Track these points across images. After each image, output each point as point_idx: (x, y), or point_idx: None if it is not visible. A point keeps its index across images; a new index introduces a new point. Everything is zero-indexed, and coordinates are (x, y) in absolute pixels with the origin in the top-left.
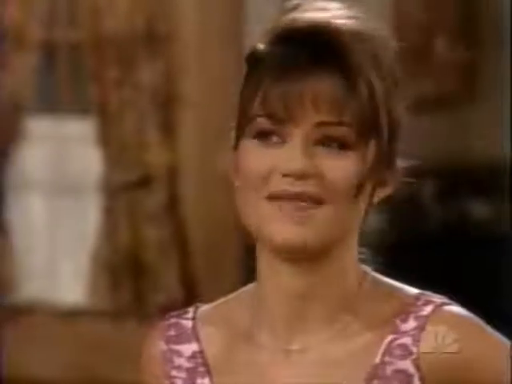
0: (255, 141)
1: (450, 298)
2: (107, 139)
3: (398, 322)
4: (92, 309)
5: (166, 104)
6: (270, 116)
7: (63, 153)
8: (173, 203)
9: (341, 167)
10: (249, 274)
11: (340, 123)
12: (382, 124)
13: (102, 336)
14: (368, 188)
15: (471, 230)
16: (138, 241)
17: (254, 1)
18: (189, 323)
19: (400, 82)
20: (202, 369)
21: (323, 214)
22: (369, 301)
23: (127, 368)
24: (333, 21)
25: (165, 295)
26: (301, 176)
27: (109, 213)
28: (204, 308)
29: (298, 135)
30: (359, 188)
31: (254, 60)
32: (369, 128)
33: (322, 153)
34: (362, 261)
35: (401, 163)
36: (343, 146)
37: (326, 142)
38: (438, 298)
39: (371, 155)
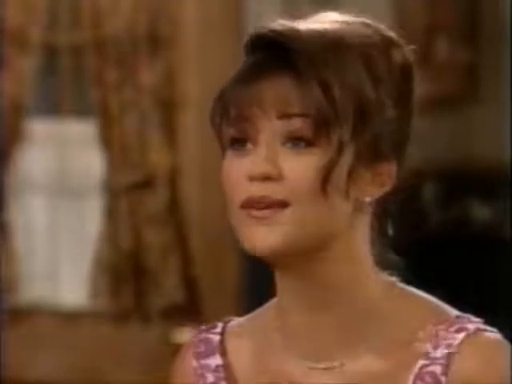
0: (231, 151)
1: (451, 299)
2: (109, 141)
3: (429, 347)
4: (94, 311)
5: (168, 106)
6: (231, 124)
7: (65, 155)
8: (174, 205)
9: (302, 166)
10: (249, 276)
11: (293, 115)
12: (341, 118)
13: (104, 338)
14: (340, 184)
15: (472, 232)
16: (140, 243)
17: (254, 3)
18: (216, 337)
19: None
20: (223, 383)
21: (290, 215)
22: (397, 317)
23: (129, 369)
24: (293, 27)
25: (166, 297)
26: (263, 178)
27: (110, 215)
28: (232, 323)
29: (261, 137)
30: (324, 184)
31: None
32: (326, 120)
33: (286, 153)
34: (389, 269)
35: (402, 160)
36: (306, 142)
37: (289, 140)
38: (472, 323)
39: (333, 150)
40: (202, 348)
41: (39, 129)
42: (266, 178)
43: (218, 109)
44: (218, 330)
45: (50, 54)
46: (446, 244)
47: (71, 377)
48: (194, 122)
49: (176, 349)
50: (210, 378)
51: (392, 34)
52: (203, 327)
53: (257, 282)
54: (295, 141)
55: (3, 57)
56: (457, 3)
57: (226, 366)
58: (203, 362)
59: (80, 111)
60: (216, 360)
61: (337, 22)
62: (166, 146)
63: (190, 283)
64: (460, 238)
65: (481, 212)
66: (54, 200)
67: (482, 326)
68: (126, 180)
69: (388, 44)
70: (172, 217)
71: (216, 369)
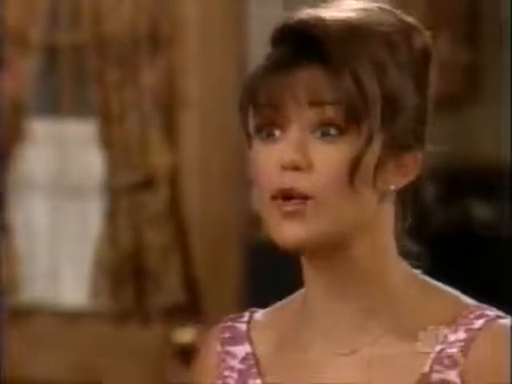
0: (259, 139)
1: None
2: (109, 141)
3: (448, 332)
4: (94, 311)
5: (168, 106)
6: (260, 110)
7: (65, 155)
8: (175, 205)
9: (332, 156)
10: (250, 275)
11: (325, 103)
12: (372, 107)
13: (104, 338)
14: (367, 174)
15: (472, 232)
16: (140, 243)
17: (255, 3)
18: (243, 326)
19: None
20: (254, 370)
21: (316, 208)
22: (417, 305)
23: (129, 369)
24: (321, 17)
25: (166, 297)
26: (293, 168)
27: (111, 215)
28: (257, 313)
29: (292, 125)
30: (352, 176)
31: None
32: (356, 109)
33: (315, 142)
34: (412, 259)
35: (424, 149)
36: (336, 130)
37: (319, 128)
38: (492, 312)
39: (363, 140)
40: (227, 335)
41: (40, 129)
42: (296, 168)
43: (247, 95)
44: (245, 319)
45: (51, 53)
46: (445, 244)
47: (71, 376)
48: (194, 122)
49: (177, 349)
50: (236, 364)
51: (410, 19)
52: (230, 316)
53: (258, 281)
54: (325, 128)
55: (3, 57)
56: (457, 3)
57: (255, 354)
58: (228, 348)
59: (80, 111)
60: (245, 348)
61: (358, 9)
62: (166, 146)
63: (190, 283)
64: (460, 238)
65: (481, 212)
66: (54, 200)
67: (502, 314)
68: (127, 180)
69: (409, 29)
70: (172, 217)
71: (246, 356)
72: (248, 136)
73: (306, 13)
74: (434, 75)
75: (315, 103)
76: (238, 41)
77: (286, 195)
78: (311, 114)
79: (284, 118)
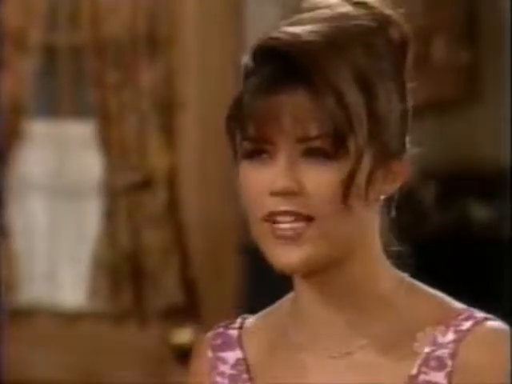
0: (247, 161)
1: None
2: (108, 142)
3: (437, 333)
4: (93, 311)
5: (167, 107)
6: (248, 139)
7: (64, 156)
8: (173, 206)
9: (323, 179)
10: (248, 277)
11: (311, 138)
12: (358, 128)
13: (103, 338)
14: (359, 190)
15: (472, 233)
16: (139, 244)
17: (254, 4)
18: (235, 332)
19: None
20: (245, 375)
21: (313, 230)
22: (407, 309)
23: (127, 370)
24: (297, 34)
25: (165, 298)
26: (285, 194)
27: (109, 216)
28: (249, 319)
29: (281, 152)
30: (346, 197)
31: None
32: (343, 134)
33: (305, 166)
34: (399, 263)
35: (408, 153)
36: (325, 156)
37: (309, 154)
38: (480, 314)
39: (353, 160)
40: (219, 341)
41: (38, 129)
42: (288, 193)
43: (235, 123)
44: (237, 325)
45: (50, 54)
46: (445, 244)
47: (70, 377)
48: (193, 123)
49: (175, 350)
50: (227, 369)
51: (388, 11)
52: (222, 323)
53: (256, 283)
54: (314, 155)
55: (2, 57)
56: (456, 3)
57: (246, 360)
58: (219, 354)
59: (79, 112)
60: (236, 354)
61: (333, 16)
62: (164, 147)
63: (189, 284)
64: (459, 239)
65: (480, 212)
66: (53, 201)
67: (490, 316)
68: (125, 181)
69: (385, 24)
70: (171, 218)
71: (237, 362)
72: (235, 155)
73: (281, 31)
74: (411, 69)
75: (302, 139)
76: (236, 42)
77: (281, 216)
78: (299, 145)
79: (272, 146)
